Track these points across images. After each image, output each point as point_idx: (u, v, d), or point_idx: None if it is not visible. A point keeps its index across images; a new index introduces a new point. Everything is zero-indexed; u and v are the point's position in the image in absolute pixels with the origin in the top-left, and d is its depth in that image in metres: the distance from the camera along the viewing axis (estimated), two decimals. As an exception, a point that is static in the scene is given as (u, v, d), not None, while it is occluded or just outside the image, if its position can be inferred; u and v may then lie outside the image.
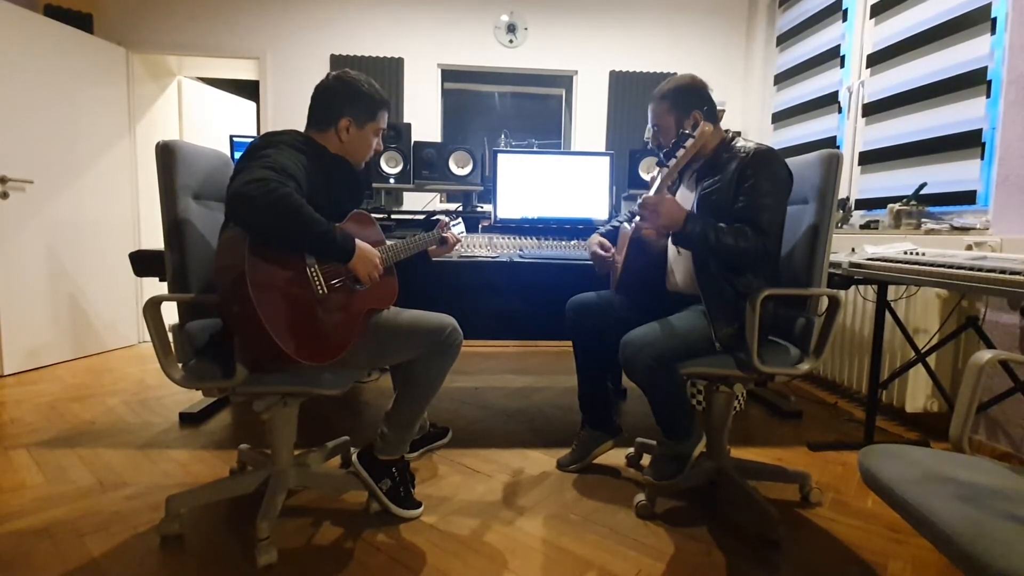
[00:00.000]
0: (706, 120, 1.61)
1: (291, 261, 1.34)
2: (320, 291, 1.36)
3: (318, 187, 1.44)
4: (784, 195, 1.58)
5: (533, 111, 4.51)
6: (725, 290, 1.56)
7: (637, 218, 1.66)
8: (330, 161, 1.53)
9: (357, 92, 1.54)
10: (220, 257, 1.35)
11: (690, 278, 1.65)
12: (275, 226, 1.26)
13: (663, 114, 1.69)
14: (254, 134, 4.35)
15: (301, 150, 1.45)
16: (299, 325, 1.31)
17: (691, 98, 1.66)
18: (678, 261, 1.73)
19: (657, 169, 1.62)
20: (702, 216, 1.54)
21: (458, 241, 1.89)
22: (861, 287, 2.48)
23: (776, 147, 1.60)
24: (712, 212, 1.57)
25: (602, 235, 1.95)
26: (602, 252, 1.87)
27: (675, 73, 1.73)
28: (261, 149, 1.38)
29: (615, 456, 2.02)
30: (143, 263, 2.07)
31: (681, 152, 1.48)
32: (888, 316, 2.18)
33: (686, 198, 1.69)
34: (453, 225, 1.91)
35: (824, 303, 1.61)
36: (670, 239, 1.72)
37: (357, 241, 1.42)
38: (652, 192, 1.52)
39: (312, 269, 1.36)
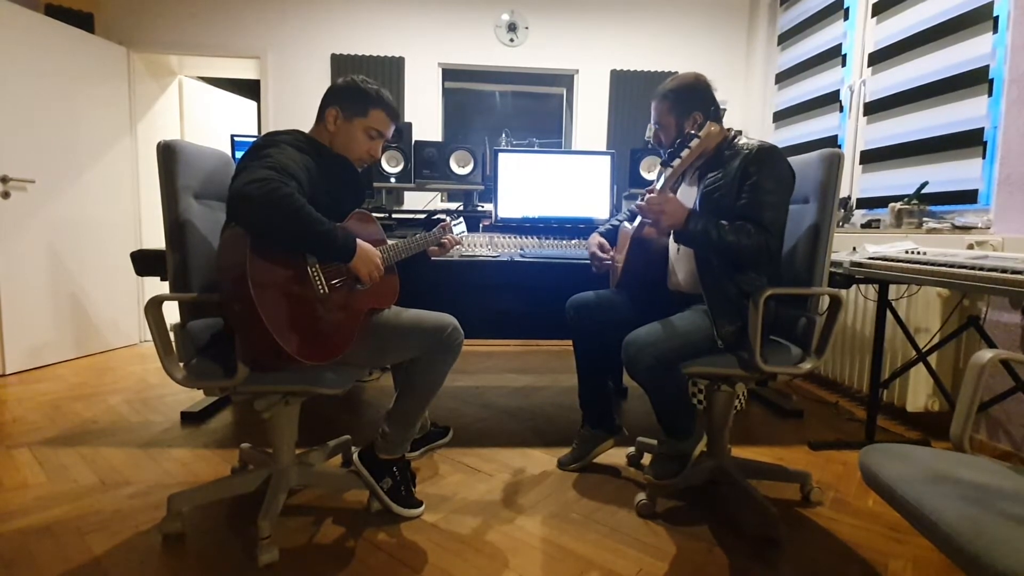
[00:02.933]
0: (707, 119, 1.62)
1: (292, 260, 1.34)
2: (321, 290, 1.37)
3: (319, 186, 1.44)
4: (786, 193, 1.58)
5: (534, 110, 4.51)
6: (728, 288, 1.56)
7: (639, 218, 1.66)
8: (331, 160, 1.53)
9: (352, 87, 1.54)
10: (222, 256, 1.35)
11: (692, 277, 1.65)
12: (276, 226, 1.26)
13: (664, 113, 1.69)
14: (255, 133, 4.35)
15: (303, 150, 1.45)
16: (300, 324, 1.31)
17: (693, 98, 1.66)
18: (680, 260, 1.73)
19: (660, 168, 1.62)
20: (704, 214, 1.54)
21: (458, 242, 1.89)
22: (862, 286, 2.48)
23: (777, 146, 1.60)
24: (715, 209, 1.57)
25: (602, 234, 1.95)
26: (600, 254, 1.87)
27: (677, 72, 1.73)
28: (263, 149, 1.38)
29: (616, 455, 2.03)
30: (144, 262, 2.07)
31: (686, 152, 1.48)
32: (889, 315, 2.18)
33: (688, 195, 1.68)
34: (455, 225, 1.90)
35: (825, 302, 1.60)
36: (672, 237, 1.72)
37: (358, 241, 1.42)
38: (655, 192, 1.52)
39: (313, 268, 1.36)
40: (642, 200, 1.52)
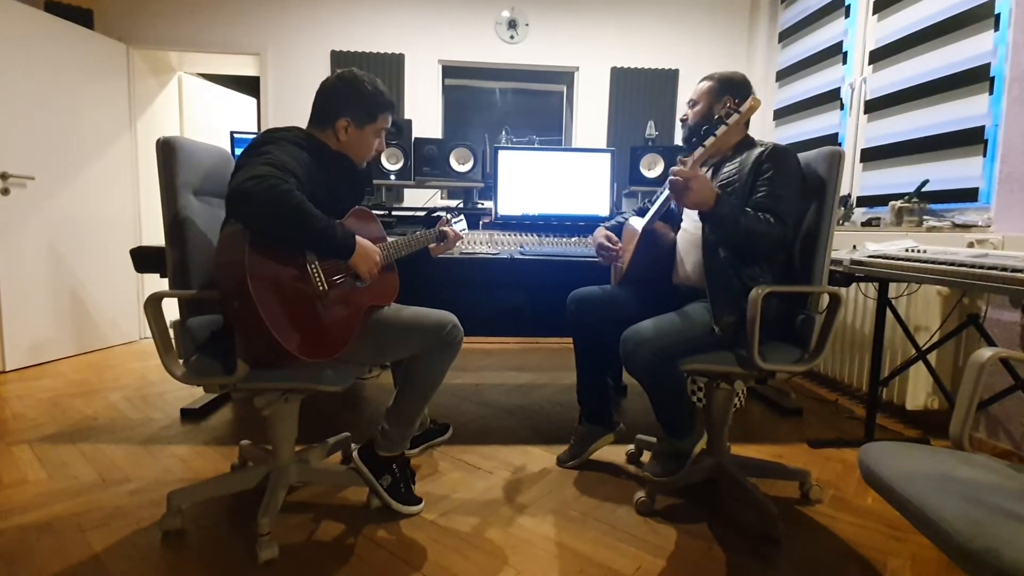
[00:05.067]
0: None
1: (291, 257, 1.34)
2: (320, 287, 1.37)
3: (319, 183, 1.44)
4: (799, 190, 1.60)
5: (534, 107, 4.50)
6: (731, 280, 1.57)
7: (649, 213, 1.67)
8: (331, 157, 1.52)
9: (359, 93, 1.53)
10: (221, 253, 1.35)
11: (700, 268, 1.65)
12: (275, 222, 1.26)
13: (703, 93, 1.76)
14: (255, 130, 4.34)
15: (302, 146, 1.45)
16: (299, 321, 1.31)
17: (732, 88, 1.72)
18: (688, 253, 1.73)
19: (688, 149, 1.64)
20: (729, 198, 1.55)
21: (459, 237, 1.89)
22: (862, 284, 2.48)
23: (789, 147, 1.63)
24: None
25: (607, 229, 1.95)
26: (608, 244, 1.87)
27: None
28: (262, 145, 1.38)
29: (615, 453, 2.03)
30: (144, 259, 2.07)
31: (722, 129, 1.52)
32: (889, 313, 2.18)
33: None
34: (455, 222, 1.91)
35: (825, 300, 1.60)
36: (698, 216, 1.72)
37: (357, 238, 1.42)
38: (687, 165, 1.52)
39: (312, 265, 1.36)
40: (672, 174, 1.52)
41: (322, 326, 1.36)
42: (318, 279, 1.37)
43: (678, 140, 3.64)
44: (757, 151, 1.61)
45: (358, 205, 1.61)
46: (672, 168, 1.52)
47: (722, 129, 1.52)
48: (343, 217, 1.52)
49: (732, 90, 1.72)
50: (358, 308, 1.47)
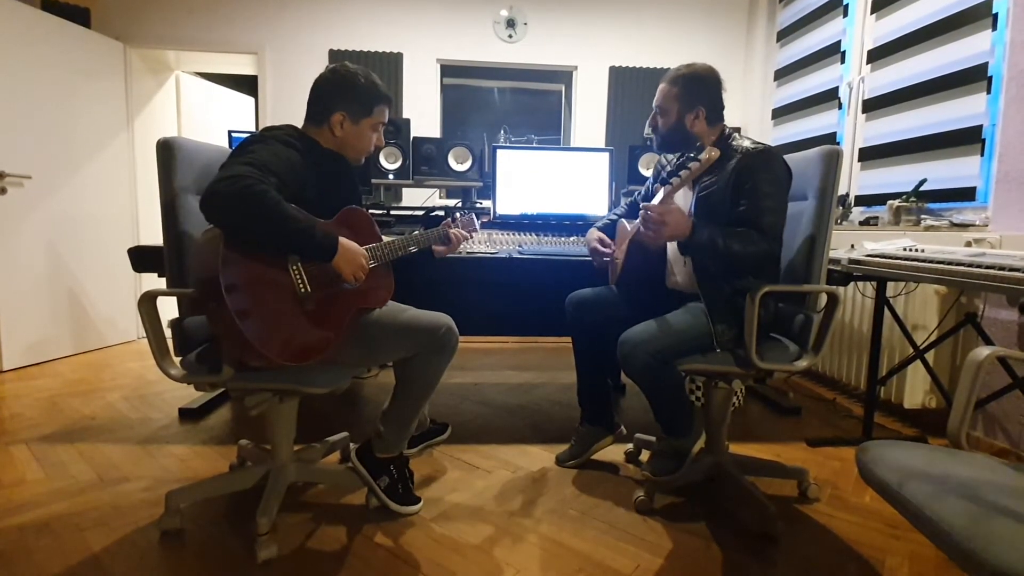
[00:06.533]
0: (708, 117, 1.63)
1: (271, 259, 1.31)
2: (302, 290, 1.34)
3: (308, 182, 1.41)
4: (784, 195, 1.57)
5: (533, 107, 4.50)
6: (725, 291, 1.56)
7: (640, 226, 1.66)
8: (321, 156, 1.50)
9: (353, 86, 1.50)
10: (195, 255, 1.33)
11: (691, 276, 1.65)
12: (247, 223, 1.24)
13: (669, 98, 1.65)
14: (253, 129, 4.33)
15: (292, 145, 1.42)
16: (277, 324, 1.29)
17: (701, 92, 1.63)
18: (678, 260, 1.73)
19: (655, 168, 1.62)
20: (705, 221, 1.53)
21: (464, 240, 1.81)
22: (860, 283, 2.48)
23: (776, 143, 1.60)
24: (710, 213, 1.56)
25: (600, 229, 1.95)
26: (601, 248, 1.86)
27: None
28: (250, 144, 1.36)
29: (614, 452, 2.03)
30: (142, 259, 2.07)
31: (684, 173, 1.47)
32: (887, 312, 2.19)
33: (683, 198, 1.68)
34: (462, 220, 1.85)
35: (823, 300, 1.61)
36: (677, 247, 1.71)
37: (340, 239, 1.37)
38: (656, 202, 1.50)
39: (295, 267, 1.34)
40: (644, 210, 1.49)
41: (304, 329, 1.33)
42: (299, 281, 1.34)
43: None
44: (736, 156, 1.56)
45: (355, 204, 1.58)
46: (643, 204, 1.49)
47: (684, 173, 1.46)
48: (333, 216, 1.49)
49: (701, 95, 1.62)
50: (345, 310, 1.44)
